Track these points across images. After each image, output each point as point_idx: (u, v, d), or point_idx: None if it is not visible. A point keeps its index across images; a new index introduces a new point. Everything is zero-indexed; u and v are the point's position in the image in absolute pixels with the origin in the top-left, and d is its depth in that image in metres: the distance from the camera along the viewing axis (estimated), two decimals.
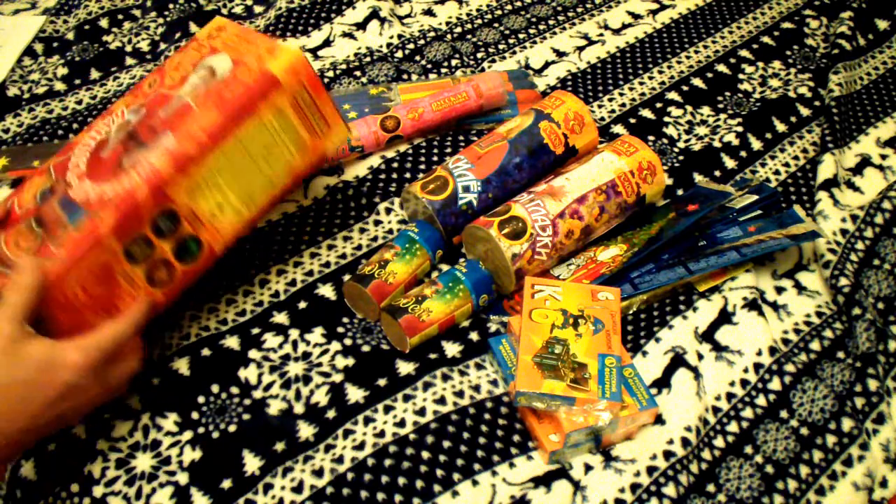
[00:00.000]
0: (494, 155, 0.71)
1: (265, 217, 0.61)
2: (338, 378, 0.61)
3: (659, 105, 0.87)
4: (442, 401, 0.59)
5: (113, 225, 0.52)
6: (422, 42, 0.94)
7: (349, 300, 0.66)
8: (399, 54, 0.92)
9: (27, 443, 0.49)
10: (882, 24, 0.98)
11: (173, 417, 0.59)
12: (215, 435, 0.58)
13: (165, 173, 0.53)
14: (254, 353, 0.62)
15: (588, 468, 0.56)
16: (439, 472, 0.55)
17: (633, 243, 0.68)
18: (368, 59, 0.91)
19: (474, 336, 0.64)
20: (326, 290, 0.67)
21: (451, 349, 0.63)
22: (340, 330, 0.64)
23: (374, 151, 0.79)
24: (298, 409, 0.59)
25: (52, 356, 0.49)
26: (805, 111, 0.87)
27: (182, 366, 0.61)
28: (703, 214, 0.69)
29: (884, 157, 0.82)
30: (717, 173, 0.80)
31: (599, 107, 0.87)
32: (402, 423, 0.58)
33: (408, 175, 0.77)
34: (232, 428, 0.58)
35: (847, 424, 0.60)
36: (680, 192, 0.77)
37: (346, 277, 0.67)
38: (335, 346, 0.63)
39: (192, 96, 0.56)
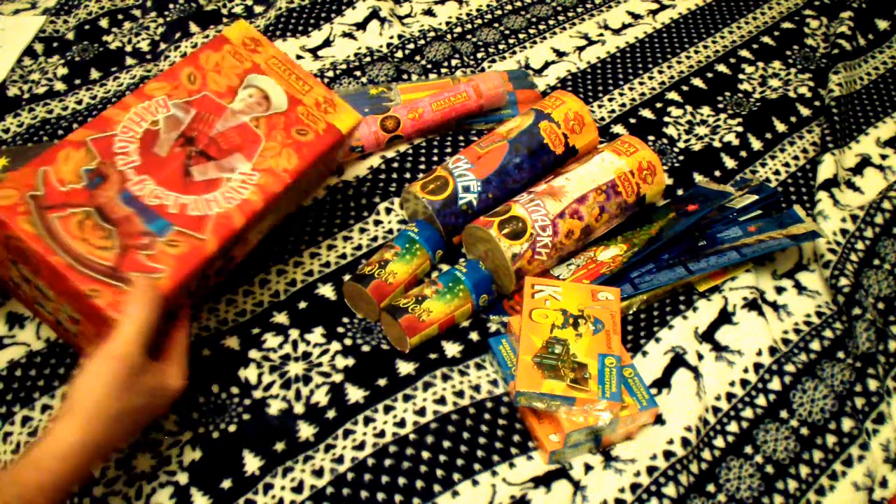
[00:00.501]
0: (494, 155, 0.71)
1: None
2: (338, 378, 0.61)
3: (659, 105, 0.87)
4: (442, 401, 0.59)
5: (216, 248, 0.53)
6: (422, 42, 0.94)
7: (349, 300, 0.66)
8: (399, 54, 0.92)
9: (107, 459, 0.53)
10: (882, 24, 0.98)
11: (173, 417, 0.59)
12: (215, 435, 0.58)
13: (258, 207, 0.56)
14: (254, 353, 0.62)
15: (588, 468, 0.56)
16: (439, 472, 0.55)
17: (633, 243, 0.68)
18: (368, 59, 0.91)
19: (474, 336, 0.64)
20: (326, 290, 0.67)
21: (451, 349, 0.63)
22: (340, 330, 0.64)
23: (374, 151, 0.79)
24: (298, 409, 0.59)
25: (161, 384, 0.50)
26: (805, 111, 0.87)
27: None
28: (703, 214, 0.69)
29: (884, 157, 0.82)
30: (717, 173, 0.80)
31: (599, 107, 0.87)
32: (402, 423, 0.58)
33: (408, 175, 0.77)
34: (232, 428, 0.58)
35: (847, 424, 0.60)
36: (680, 192, 0.77)
37: (346, 277, 0.67)
38: (335, 346, 0.63)
39: (252, 120, 0.59)
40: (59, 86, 0.88)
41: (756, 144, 0.83)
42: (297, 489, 0.54)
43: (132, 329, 0.47)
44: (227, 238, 0.54)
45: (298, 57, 0.92)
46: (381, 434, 0.57)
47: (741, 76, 0.91)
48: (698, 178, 0.79)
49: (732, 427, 0.59)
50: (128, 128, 0.55)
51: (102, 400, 0.46)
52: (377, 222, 0.73)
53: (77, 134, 0.54)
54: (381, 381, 0.60)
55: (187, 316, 0.55)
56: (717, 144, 0.83)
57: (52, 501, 0.44)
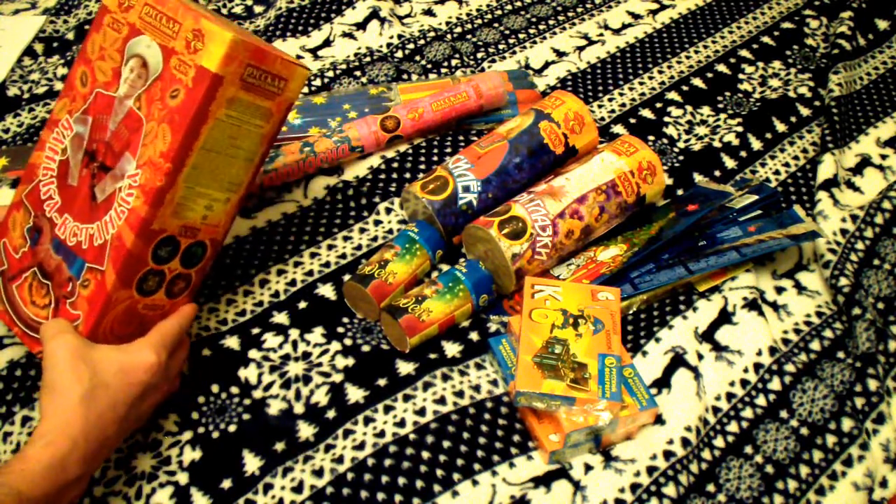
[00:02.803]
0: (494, 155, 0.71)
1: (257, 180, 0.61)
2: (338, 378, 0.61)
3: (659, 105, 0.87)
4: (442, 401, 0.59)
5: (116, 279, 0.51)
6: (422, 42, 0.94)
7: (349, 300, 0.66)
8: (399, 54, 0.92)
9: (113, 447, 0.50)
10: (882, 24, 0.98)
11: (173, 417, 0.59)
12: (215, 435, 0.58)
13: (144, 212, 0.50)
14: (254, 353, 0.62)
15: (588, 468, 0.56)
16: (439, 472, 0.55)
17: (633, 243, 0.68)
18: (368, 59, 0.91)
19: (474, 336, 0.64)
20: (326, 290, 0.67)
21: (451, 349, 0.63)
22: (340, 330, 0.64)
23: (374, 151, 0.79)
24: (298, 409, 0.59)
25: (127, 359, 0.50)
26: (805, 111, 0.87)
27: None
28: (703, 214, 0.69)
29: (884, 157, 0.82)
30: (717, 173, 0.80)
31: (599, 107, 0.87)
32: (402, 423, 0.58)
33: (408, 175, 0.77)
34: (232, 428, 0.58)
35: (847, 424, 0.60)
36: (680, 192, 0.77)
37: (346, 277, 0.67)
38: (335, 346, 0.63)
39: (136, 102, 0.51)
40: (59, 86, 0.88)
41: (756, 144, 0.83)
42: (297, 489, 0.54)
43: (53, 332, 0.49)
44: (123, 264, 0.50)
45: (298, 57, 0.92)
46: (381, 434, 0.57)
47: (741, 76, 0.91)
48: (698, 178, 0.79)
49: (732, 427, 0.59)
50: (46, 168, 0.54)
51: (65, 385, 0.47)
52: (377, 222, 0.73)
53: (16, 194, 0.54)
54: (381, 381, 0.60)
55: (184, 310, 0.56)
56: (717, 144, 0.82)
57: (42, 489, 0.44)
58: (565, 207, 0.66)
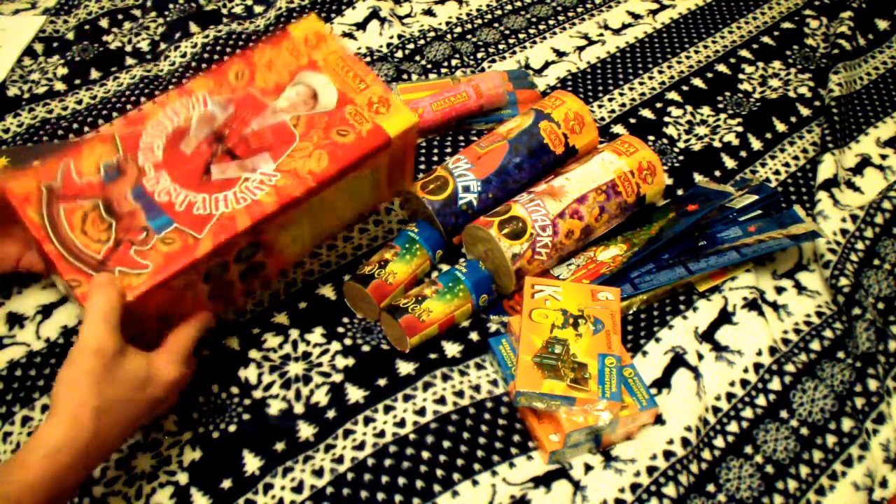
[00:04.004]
0: (494, 155, 0.71)
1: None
2: (338, 378, 0.61)
3: (659, 105, 0.87)
4: (442, 401, 0.59)
5: (209, 251, 0.51)
6: (422, 42, 0.94)
7: (349, 300, 0.66)
8: (399, 54, 0.92)
9: (108, 456, 0.50)
10: (882, 24, 0.98)
11: (173, 417, 0.59)
12: (215, 435, 0.58)
13: (269, 210, 0.52)
14: (254, 353, 0.62)
15: (588, 468, 0.56)
16: (439, 472, 0.55)
17: (633, 243, 0.68)
18: (368, 58, 0.91)
19: (474, 336, 0.64)
20: (326, 290, 0.67)
21: (451, 349, 0.63)
22: (340, 330, 0.64)
23: None
24: (298, 409, 0.59)
25: (149, 373, 0.49)
26: (805, 111, 0.87)
27: None
28: (703, 214, 0.69)
29: (884, 157, 0.82)
30: (717, 173, 0.80)
31: (599, 107, 0.87)
32: (402, 423, 0.58)
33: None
34: (232, 428, 0.58)
35: (847, 424, 0.60)
36: (680, 192, 0.77)
37: (346, 277, 0.67)
38: (335, 346, 0.63)
39: (293, 119, 0.55)
40: (59, 86, 0.88)
41: (756, 144, 0.83)
42: (297, 489, 0.54)
43: (97, 319, 0.47)
44: (225, 240, 0.51)
45: None
46: (381, 434, 0.57)
47: (741, 76, 0.91)
48: (698, 178, 0.79)
49: (732, 427, 0.59)
50: (159, 123, 0.54)
51: (83, 394, 0.46)
52: (377, 222, 0.73)
53: (109, 127, 0.54)
54: (381, 381, 0.60)
55: (201, 318, 0.55)
56: (717, 144, 0.82)
57: (41, 500, 0.43)
58: (565, 207, 0.66)
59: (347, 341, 0.63)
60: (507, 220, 0.64)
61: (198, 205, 0.51)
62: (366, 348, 0.63)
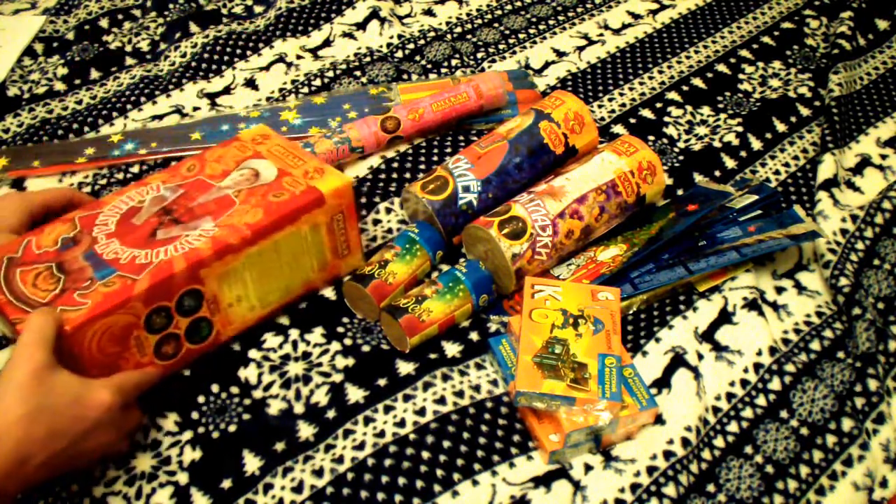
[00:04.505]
0: (494, 155, 0.71)
1: (265, 320, 0.64)
2: (338, 378, 0.61)
3: (659, 105, 0.87)
4: (442, 401, 0.59)
5: (146, 289, 0.54)
6: (422, 42, 0.94)
7: (349, 300, 0.66)
8: (399, 54, 0.92)
9: (39, 479, 0.48)
10: (882, 24, 0.98)
11: (173, 417, 0.59)
12: (215, 435, 0.58)
13: (205, 255, 0.56)
14: (254, 353, 0.62)
15: (588, 468, 0.56)
16: (439, 472, 0.55)
17: (633, 243, 0.68)
18: (368, 59, 0.91)
19: (474, 336, 0.64)
20: (326, 291, 0.67)
21: (451, 349, 0.63)
22: (340, 330, 0.64)
23: (375, 152, 0.79)
24: (298, 409, 0.59)
25: (83, 392, 0.49)
26: (805, 111, 0.87)
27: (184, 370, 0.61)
28: (703, 214, 0.69)
29: (884, 157, 0.82)
30: (717, 173, 0.80)
31: (599, 107, 0.87)
32: (402, 423, 0.58)
33: (408, 175, 0.77)
34: (232, 428, 0.58)
35: (847, 424, 0.60)
36: (680, 192, 0.77)
37: (346, 277, 0.67)
38: (335, 346, 0.63)
39: (234, 191, 0.61)
40: (59, 86, 0.88)
41: (756, 144, 0.83)
42: (297, 489, 0.54)
43: (31, 338, 0.48)
44: (160, 279, 0.54)
45: (298, 57, 0.92)
46: (381, 434, 0.57)
47: (741, 76, 0.91)
48: (698, 178, 0.79)
49: (732, 427, 0.59)
50: (115, 206, 0.60)
51: (9, 402, 0.46)
52: (376, 222, 0.73)
53: (71, 214, 0.60)
54: (381, 381, 0.60)
55: (148, 370, 0.56)
56: (717, 144, 0.82)
57: None
58: (565, 207, 0.66)
59: (347, 341, 0.63)
60: (508, 220, 0.64)
61: (140, 257, 0.56)
62: (366, 348, 0.63)
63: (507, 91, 0.84)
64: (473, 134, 0.82)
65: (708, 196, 0.72)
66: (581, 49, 0.94)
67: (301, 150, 0.65)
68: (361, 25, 0.95)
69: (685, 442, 0.57)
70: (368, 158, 0.79)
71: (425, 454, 0.56)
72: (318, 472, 0.55)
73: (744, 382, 0.62)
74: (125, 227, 0.58)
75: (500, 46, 0.94)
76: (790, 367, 0.63)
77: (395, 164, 0.78)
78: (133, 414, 0.55)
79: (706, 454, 0.58)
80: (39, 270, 0.55)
